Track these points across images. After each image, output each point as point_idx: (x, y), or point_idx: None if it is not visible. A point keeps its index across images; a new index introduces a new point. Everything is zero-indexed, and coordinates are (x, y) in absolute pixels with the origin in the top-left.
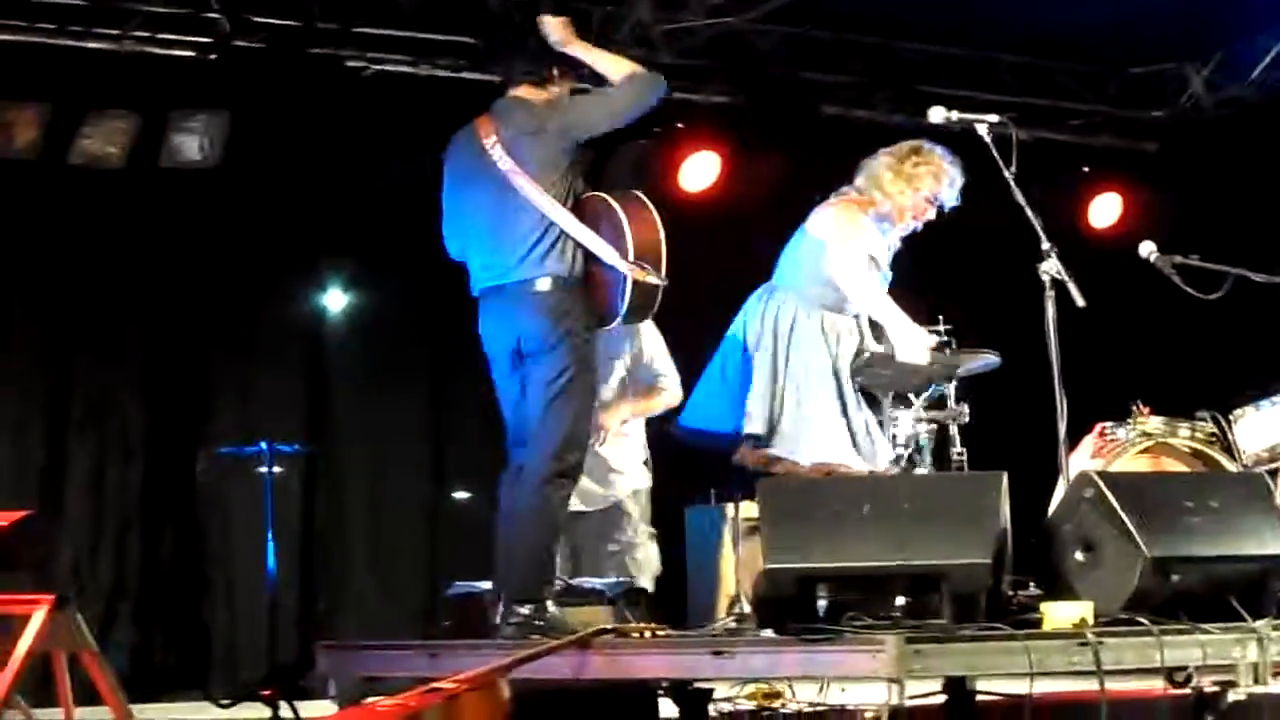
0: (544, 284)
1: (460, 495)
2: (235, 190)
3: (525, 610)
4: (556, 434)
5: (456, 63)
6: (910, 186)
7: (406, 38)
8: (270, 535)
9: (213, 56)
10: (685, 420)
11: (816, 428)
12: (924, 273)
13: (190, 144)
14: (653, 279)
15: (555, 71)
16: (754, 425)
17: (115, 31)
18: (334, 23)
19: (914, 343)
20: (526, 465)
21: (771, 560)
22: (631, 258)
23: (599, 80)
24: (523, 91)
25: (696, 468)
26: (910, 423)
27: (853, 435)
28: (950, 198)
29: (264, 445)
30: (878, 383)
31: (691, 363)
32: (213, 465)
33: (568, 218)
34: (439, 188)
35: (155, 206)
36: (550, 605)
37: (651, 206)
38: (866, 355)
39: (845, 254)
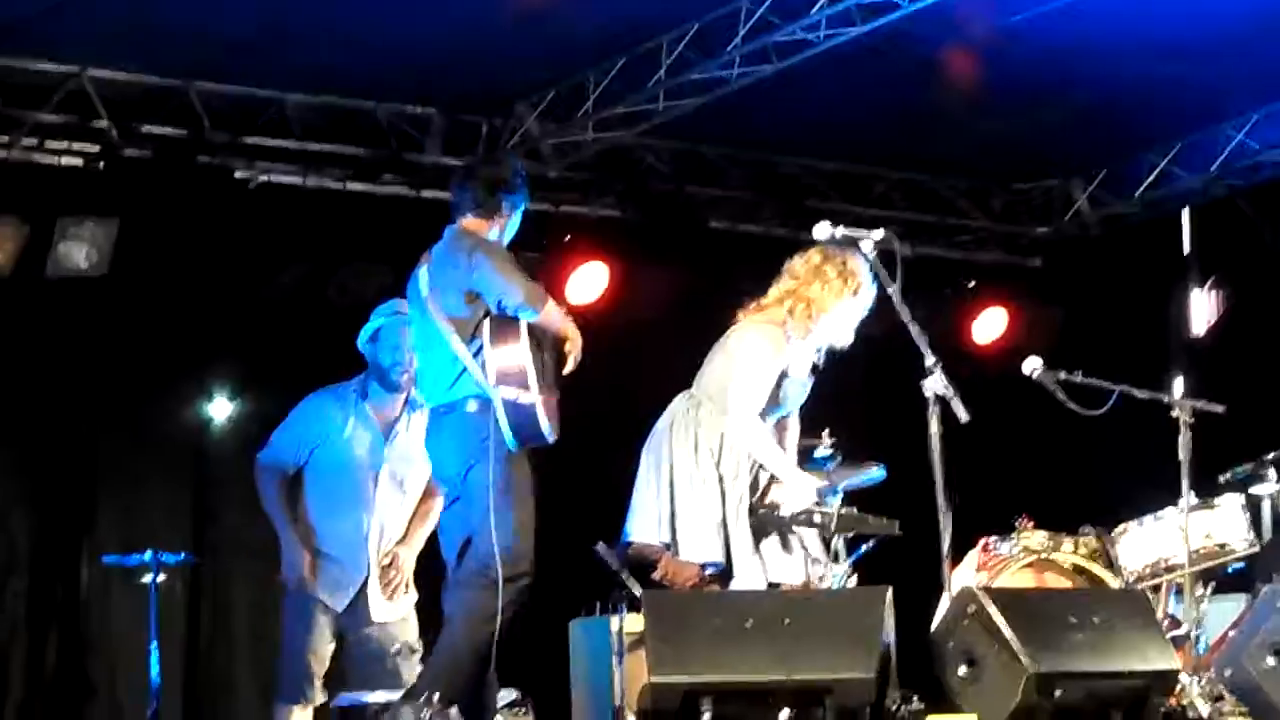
0: (470, 405)
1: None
2: (122, 299)
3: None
4: (492, 553)
5: (344, 174)
6: (833, 292)
7: (294, 149)
8: (154, 644)
9: (101, 165)
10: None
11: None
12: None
13: (77, 252)
14: (520, 398)
15: (504, 206)
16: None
17: (4, 139)
18: (222, 132)
19: (799, 490)
20: (462, 573)
21: (656, 674)
22: (492, 381)
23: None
24: (468, 222)
25: (579, 580)
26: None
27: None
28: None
29: (149, 554)
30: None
31: (590, 471)
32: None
33: (459, 345)
34: (323, 297)
35: (41, 315)
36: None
37: (520, 325)
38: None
39: (747, 388)
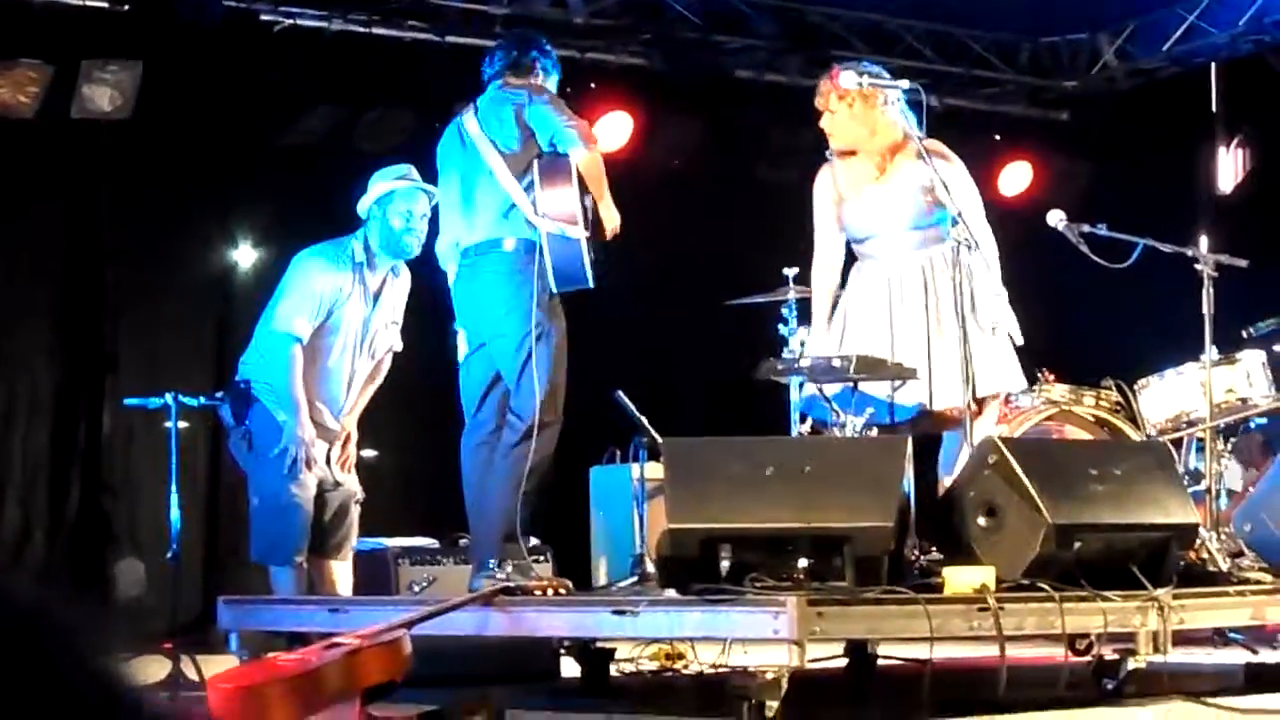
0: (509, 245)
1: (369, 453)
2: (146, 142)
3: (492, 564)
4: (529, 400)
5: (369, 17)
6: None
7: None
8: (175, 489)
9: (125, 7)
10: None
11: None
12: None
13: (101, 95)
14: (567, 231)
15: (537, 65)
16: None
17: None
18: None
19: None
20: (502, 428)
21: (674, 520)
22: (540, 212)
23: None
24: (508, 80)
25: (596, 426)
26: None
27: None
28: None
29: (169, 398)
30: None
31: (611, 318)
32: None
33: (510, 180)
34: (348, 142)
35: (66, 157)
36: (518, 560)
37: (570, 167)
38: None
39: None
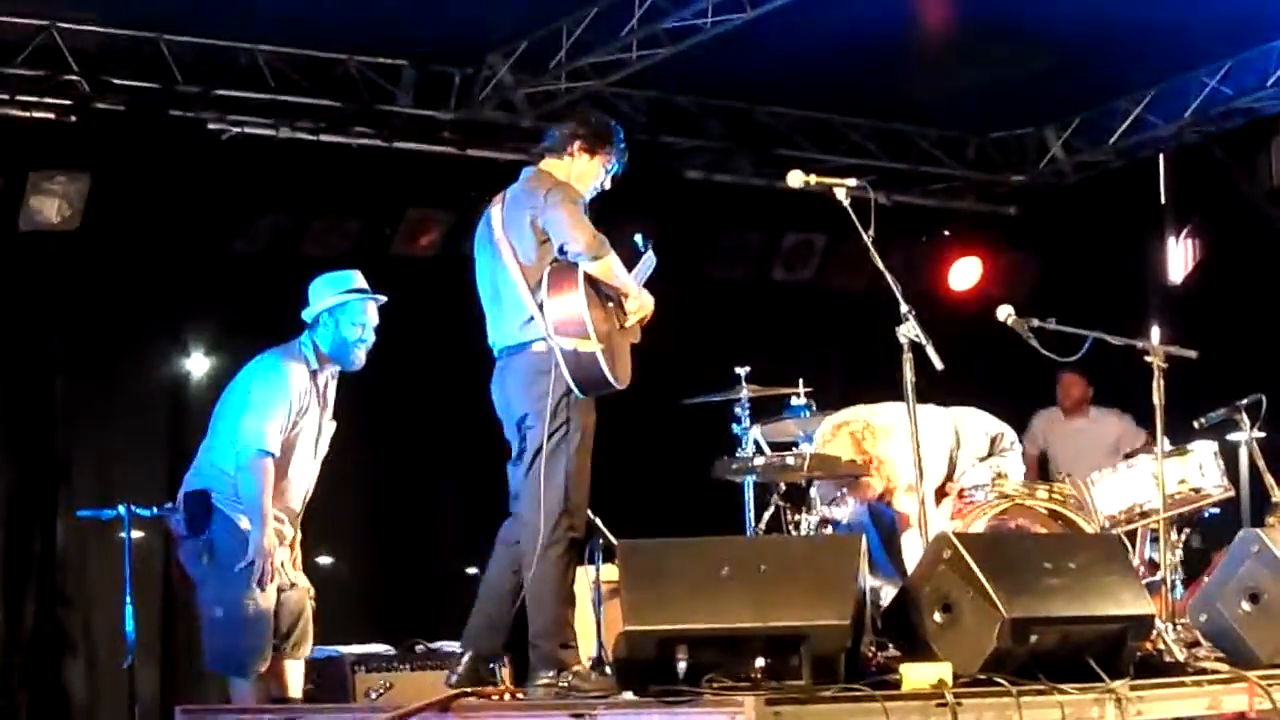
0: (539, 346)
1: (324, 560)
2: (96, 253)
3: (549, 675)
4: (553, 504)
5: (316, 125)
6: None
7: (266, 101)
8: (129, 598)
9: (73, 118)
10: None
11: None
12: (783, 337)
13: (49, 206)
14: (580, 346)
15: (576, 146)
16: None
17: None
18: (195, 85)
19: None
20: (524, 534)
21: (631, 622)
22: (551, 330)
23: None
24: (544, 163)
25: None
26: None
27: None
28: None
29: (123, 508)
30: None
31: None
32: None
33: (526, 291)
34: (297, 249)
35: (14, 269)
36: (576, 668)
37: (577, 274)
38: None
39: None
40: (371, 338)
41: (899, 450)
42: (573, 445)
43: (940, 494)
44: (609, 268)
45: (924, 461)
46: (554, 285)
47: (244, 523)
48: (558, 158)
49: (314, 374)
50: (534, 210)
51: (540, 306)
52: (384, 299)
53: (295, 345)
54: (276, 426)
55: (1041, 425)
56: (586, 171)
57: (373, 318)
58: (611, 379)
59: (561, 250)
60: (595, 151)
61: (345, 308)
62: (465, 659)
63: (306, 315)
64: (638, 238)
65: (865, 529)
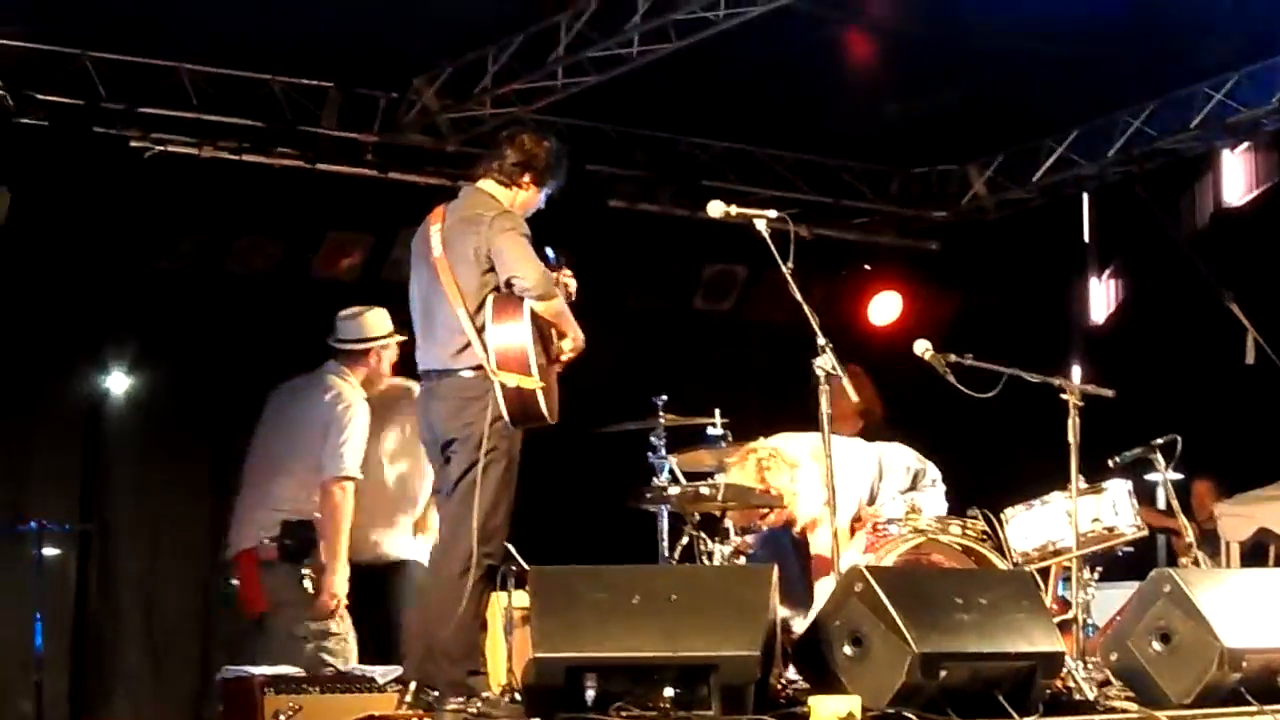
0: (467, 374)
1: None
2: (15, 267)
3: (459, 700)
4: (469, 527)
5: (240, 145)
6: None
7: (190, 119)
8: (39, 614)
9: None
10: None
11: None
12: (702, 367)
13: None
14: (522, 384)
15: (526, 179)
16: None
17: None
18: (119, 102)
19: None
20: (440, 556)
21: (540, 649)
22: (493, 363)
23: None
24: (487, 183)
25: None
26: None
27: None
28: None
29: (33, 524)
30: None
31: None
32: None
33: (465, 319)
34: (218, 268)
35: None
36: (486, 694)
37: (523, 307)
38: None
39: None
40: None
41: (807, 483)
42: (498, 472)
43: (854, 526)
44: (557, 310)
45: (839, 494)
46: (498, 314)
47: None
48: (503, 184)
49: None
50: (478, 236)
51: (480, 331)
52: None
53: (345, 371)
54: (360, 455)
55: None
56: (530, 201)
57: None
58: (547, 416)
59: (508, 283)
60: (542, 184)
61: (388, 345)
62: (412, 687)
63: (355, 344)
64: (548, 250)
65: (785, 553)
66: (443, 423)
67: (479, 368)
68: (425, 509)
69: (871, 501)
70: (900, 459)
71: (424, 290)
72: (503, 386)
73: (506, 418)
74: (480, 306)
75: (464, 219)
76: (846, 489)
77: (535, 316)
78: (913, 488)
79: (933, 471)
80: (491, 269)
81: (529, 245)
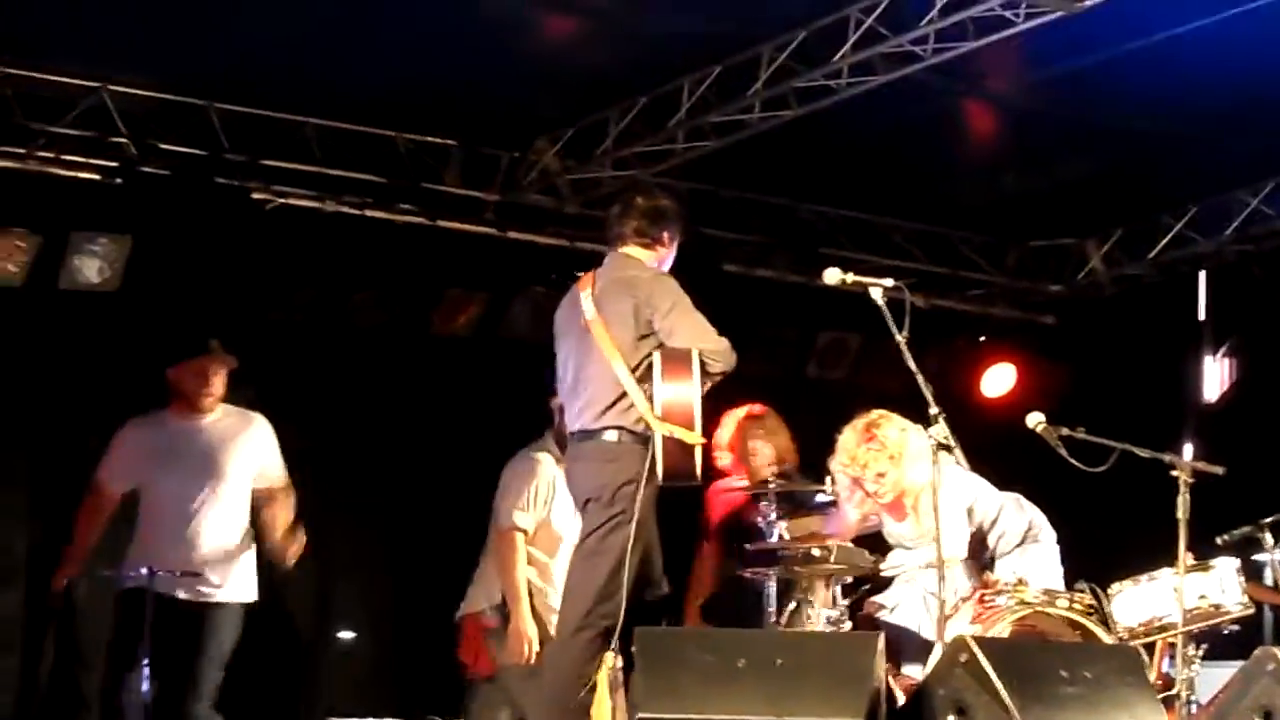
0: (610, 435)
1: (346, 635)
2: (134, 315)
3: None
4: (591, 587)
5: (362, 200)
6: None
7: (313, 173)
8: None
9: (118, 180)
10: None
11: None
12: (815, 435)
13: (90, 266)
14: (686, 437)
15: (665, 236)
16: None
17: (20, 150)
18: (241, 154)
19: None
20: (563, 606)
21: (644, 709)
22: (659, 414)
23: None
24: (630, 249)
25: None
26: None
27: None
28: None
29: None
30: None
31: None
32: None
33: (624, 373)
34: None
35: (53, 326)
36: None
37: (692, 363)
38: None
39: None
40: None
41: (916, 446)
42: (625, 534)
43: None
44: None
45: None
46: (668, 371)
47: None
48: (645, 246)
49: None
50: (635, 299)
51: (640, 383)
52: None
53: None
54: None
55: None
56: (669, 258)
57: None
58: (699, 476)
59: (702, 362)
60: (676, 238)
61: None
62: None
63: None
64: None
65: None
66: (582, 483)
67: (622, 429)
68: None
69: (982, 544)
70: (1018, 507)
71: (574, 354)
72: (664, 438)
73: (660, 470)
74: (640, 364)
75: (616, 280)
76: (954, 514)
77: (704, 377)
78: (1023, 540)
79: (1039, 522)
80: (651, 334)
81: (693, 310)
